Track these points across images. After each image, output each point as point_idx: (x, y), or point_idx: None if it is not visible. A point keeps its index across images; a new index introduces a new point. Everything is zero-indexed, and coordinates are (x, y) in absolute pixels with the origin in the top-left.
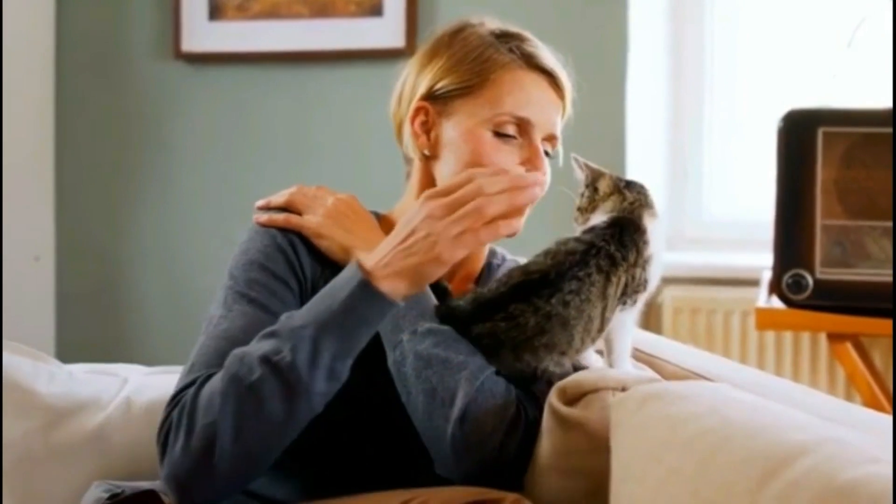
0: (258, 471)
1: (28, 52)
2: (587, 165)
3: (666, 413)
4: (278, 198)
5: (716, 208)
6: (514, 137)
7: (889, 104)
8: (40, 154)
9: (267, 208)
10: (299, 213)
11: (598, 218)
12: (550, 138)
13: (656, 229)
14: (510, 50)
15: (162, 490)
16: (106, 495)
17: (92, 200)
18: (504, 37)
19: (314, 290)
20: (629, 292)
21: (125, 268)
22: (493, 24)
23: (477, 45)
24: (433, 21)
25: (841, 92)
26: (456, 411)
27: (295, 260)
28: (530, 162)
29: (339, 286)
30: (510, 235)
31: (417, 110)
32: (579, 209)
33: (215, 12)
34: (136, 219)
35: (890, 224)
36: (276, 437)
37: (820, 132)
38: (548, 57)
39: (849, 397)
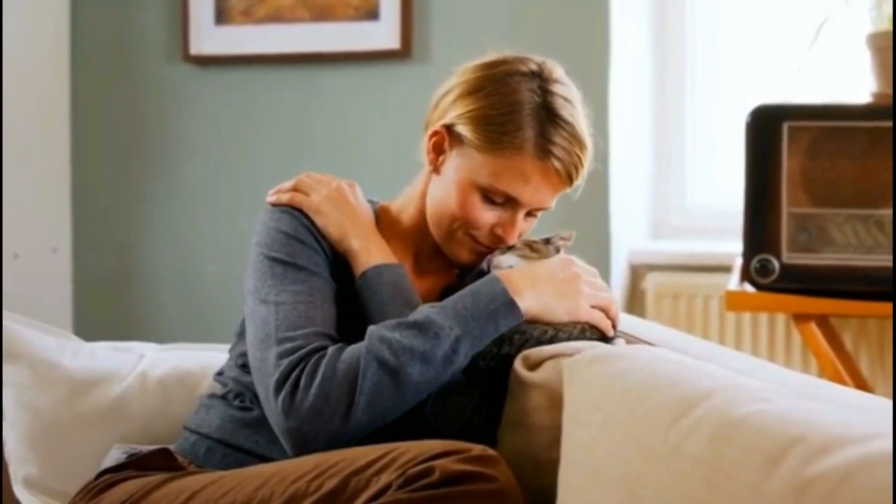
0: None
1: (45, 56)
2: None
3: (608, 371)
4: (288, 183)
5: (699, 197)
6: (499, 204)
7: (849, 100)
8: (57, 152)
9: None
10: (305, 195)
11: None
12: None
13: None
14: (538, 134)
15: (175, 450)
16: (125, 456)
17: (106, 195)
18: (545, 111)
19: (333, 270)
20: None
21: (137, 258)
22: (549, 81)
23: (510, 111)
24: (427, 24)
25: (808, 87)
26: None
27: (319, 236)
28: (503, 228)
29: (485, 297)
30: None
31: (436, 132)
32: None
33: (221, 17)
34: (148, 212)
35: (852, 211)
36: (399, 410)
37: (785, 126)
38: (567, 157)
39: (822, 377)
